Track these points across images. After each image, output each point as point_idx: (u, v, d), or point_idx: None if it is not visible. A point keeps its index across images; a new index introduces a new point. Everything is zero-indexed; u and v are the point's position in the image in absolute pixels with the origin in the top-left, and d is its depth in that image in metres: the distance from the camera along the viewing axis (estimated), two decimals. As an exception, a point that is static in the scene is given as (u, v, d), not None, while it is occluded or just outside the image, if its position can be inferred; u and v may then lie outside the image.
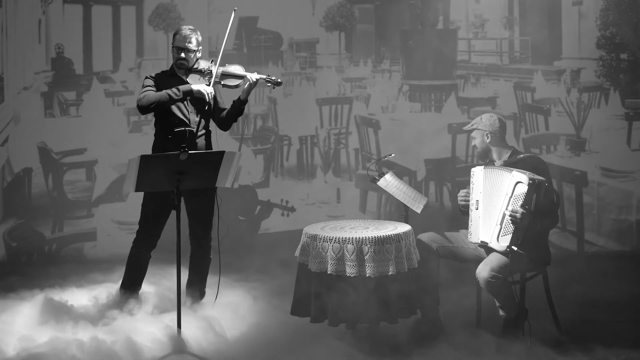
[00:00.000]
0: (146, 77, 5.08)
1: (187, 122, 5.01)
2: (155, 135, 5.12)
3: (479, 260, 4.75)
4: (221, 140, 7.31)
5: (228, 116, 5.08)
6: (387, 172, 5.05)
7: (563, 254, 6.84)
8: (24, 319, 4.87)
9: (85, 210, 7.28)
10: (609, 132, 7.24)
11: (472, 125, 4.90)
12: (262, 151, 7.55)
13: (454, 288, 5.28)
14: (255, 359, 4.38)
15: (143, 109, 4.92)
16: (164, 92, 4.90)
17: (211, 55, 7.49)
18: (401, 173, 7.18)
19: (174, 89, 4.91)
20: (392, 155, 5.31)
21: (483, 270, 4.54)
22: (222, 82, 5.03)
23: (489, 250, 4.67)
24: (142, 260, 5.08)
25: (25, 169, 7.21)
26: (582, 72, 7.32)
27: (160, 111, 4.97)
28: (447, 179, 7.40)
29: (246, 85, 4.99)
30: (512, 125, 7.32)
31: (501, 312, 4.64)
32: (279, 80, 5.08)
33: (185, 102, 5.00)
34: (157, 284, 5.63)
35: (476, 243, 4.70)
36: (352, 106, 7.65)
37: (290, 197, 7.50)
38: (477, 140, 4.87)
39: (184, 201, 5.03)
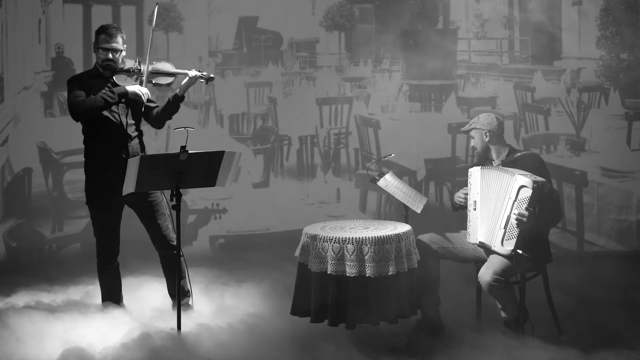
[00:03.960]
0: (72, 80, 4.79)
1: (120, 125, 4.79)
2: (84, 141, 4.86)
3: (479, 260, 4.75)
4: (223, 140, 7.37)
5: (163, 113, 4.91)
6: (387, 172, 5.05)
7: (563, 254, 6.83)
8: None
9: (85, 210, 7.24)
10: (609, 132, 7.24)
11: (470, 126, 4.90)
12: (262, 151, 7.55)
13: (454, 288, 5.27)
14: None
15: (79, 115, 4.67)
16: (98, 96, 4.66)
17: (211, 56, 7.50)
18: (401, 173, 7.17)
19: (108, 92, 4.68)
20: (392, 155, 5.31)
21: (486, 274, 4.53)
22: (153, 81, 4.87)
23: (488, 250, 4.67)
24: (112, 270, 4.98)
25: (25, 169, 7.20)
26: (582, 72, 7.32)
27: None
28: (447, 179, 7.39)
29: (184, 82, 4.86)
30: (512, 125, 7.32)
31: (503, 314, 4.64)
32: (212, 75, 4.95)
33: (116, 104, 4.77)
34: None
35: (475, 244, 4.71)
36: (352, 106, 7.65)
37: (290, 197, 7.50)
38: (476, 139, 4.87)
39: (134, 210, 4.96)
